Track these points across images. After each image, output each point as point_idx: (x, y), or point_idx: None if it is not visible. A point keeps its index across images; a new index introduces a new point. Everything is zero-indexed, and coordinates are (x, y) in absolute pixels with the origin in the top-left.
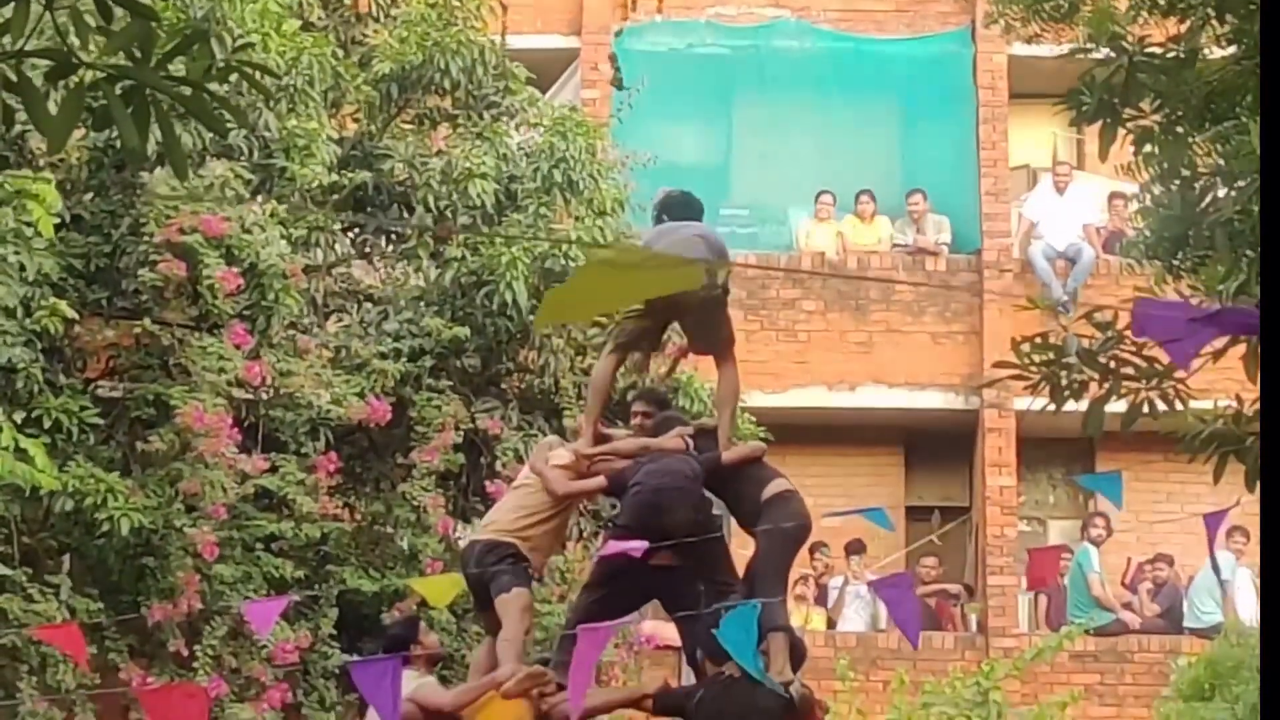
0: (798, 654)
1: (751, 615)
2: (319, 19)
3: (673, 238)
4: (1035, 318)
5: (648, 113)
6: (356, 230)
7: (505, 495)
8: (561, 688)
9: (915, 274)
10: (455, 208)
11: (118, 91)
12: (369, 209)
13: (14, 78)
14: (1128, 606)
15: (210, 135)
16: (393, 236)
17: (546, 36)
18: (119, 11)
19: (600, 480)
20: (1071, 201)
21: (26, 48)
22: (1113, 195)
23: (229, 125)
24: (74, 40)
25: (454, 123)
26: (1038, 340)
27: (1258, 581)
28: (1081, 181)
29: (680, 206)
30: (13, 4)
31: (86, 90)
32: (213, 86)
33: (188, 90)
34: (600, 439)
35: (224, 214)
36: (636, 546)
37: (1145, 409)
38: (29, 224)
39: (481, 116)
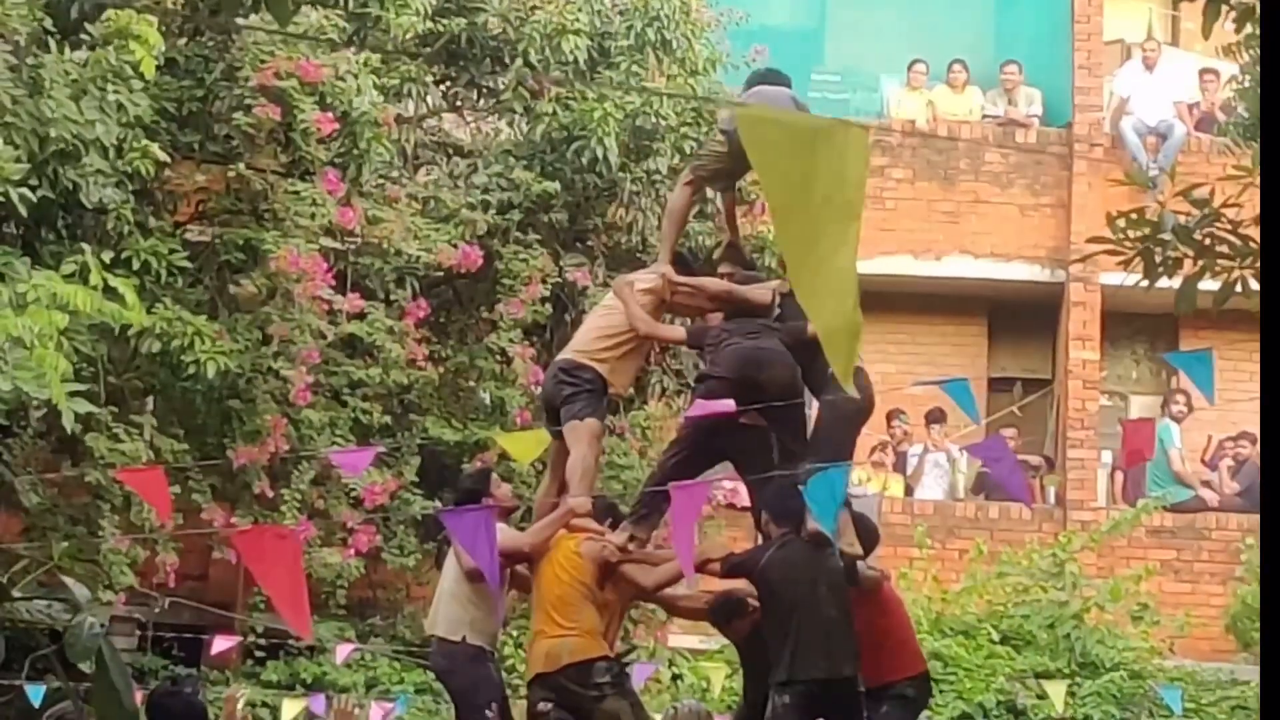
0: (869, 535)
1: (839, 479)
2: None
3: (765, 94)
4: (1124, 193)
5: None
6: (448, 83)
7: (588, 317)
8: (629, 550)
9: (1005, 145)
10: (548, 63)
11: None
12: (461, 62)
13: None
14: (1206, 484)
15: None
16: (484, 90)
17: None
18: None
19: (681, 332)
20: (1162, 78)
21: None
22: (1203, 72)
23: None
24: None
25: None
26: (1133, 215)
27: None
28: (1173, 58)
29: (769, 80)
30: None
31: None
32: None
33: None
34: (677, 264)
35: (318, 61)
36: (727, 407)
37: (1238, 288)
38: (130, 64)
39: None
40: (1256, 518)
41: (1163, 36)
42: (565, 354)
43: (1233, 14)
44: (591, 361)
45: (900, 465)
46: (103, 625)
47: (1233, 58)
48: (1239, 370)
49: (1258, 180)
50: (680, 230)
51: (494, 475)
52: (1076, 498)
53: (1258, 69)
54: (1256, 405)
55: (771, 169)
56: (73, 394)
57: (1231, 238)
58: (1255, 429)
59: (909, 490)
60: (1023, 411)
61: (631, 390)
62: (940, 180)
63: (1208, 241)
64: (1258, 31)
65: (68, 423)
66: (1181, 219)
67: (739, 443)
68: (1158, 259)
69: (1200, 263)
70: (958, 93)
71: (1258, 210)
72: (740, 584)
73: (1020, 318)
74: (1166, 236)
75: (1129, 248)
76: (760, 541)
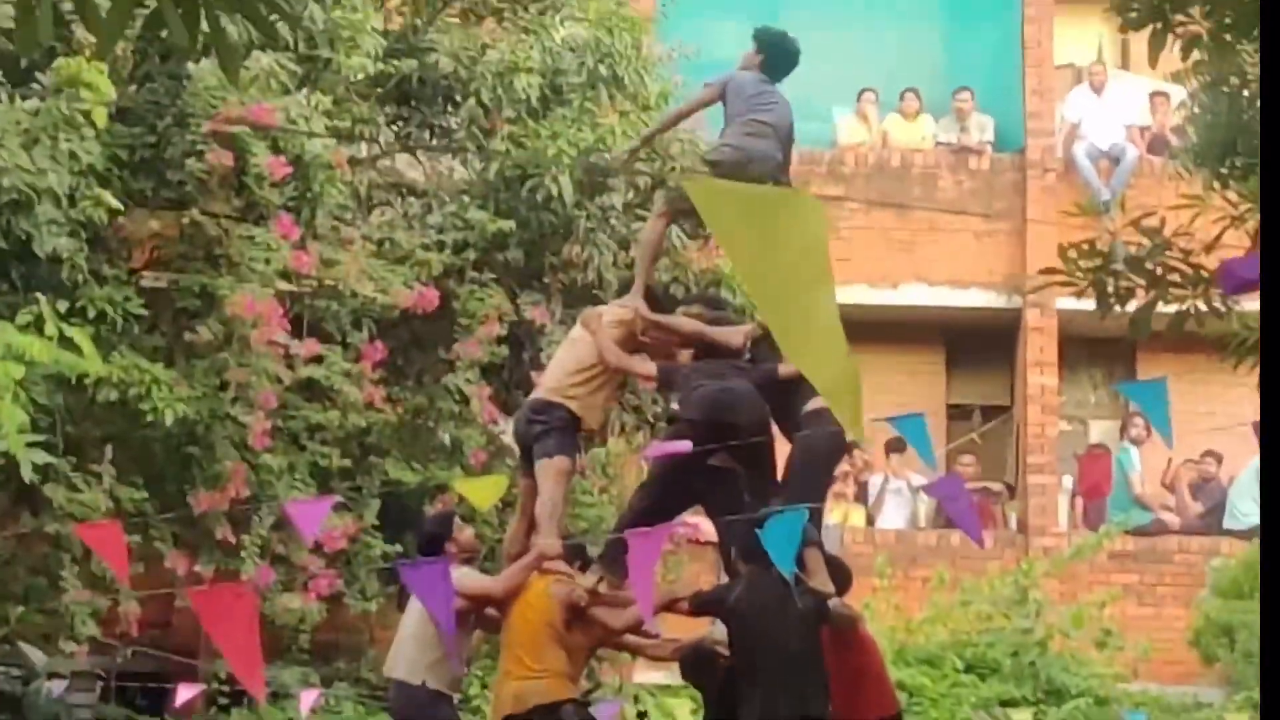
0: (842, 576)
1: (797, 521)
2: None
3: (739, 81)
4: (1079, 219)
5: (692, 7)
6: (401, 123)
7: (556, 353)
8: (598, 593)
9: (959, 172)
10: (500, 101)
11: None
12: (413, 102)
13: None
14: (1167, 507)
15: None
16: (437, 130)
17: None
18: None
19: (651, 367)
20: (1111, 101)
21: None
22: (1154, 94)
23: (276, 24)
24: None
25: (499, 16)
26: (1085, 246)
27: None
28: (1123, 81)
29: (777, 54)
30: None
31: None
32: None
33: None
34: (649, 299)
35: (270, 105)
36: (684, 447)
37: (1191, 318)
38: (82, 112)
39: (527, 10)
40: (1219, 540)
41: (1113, 60)
42: (536, 393)
43: (1179, 41)
44: (561, 399)
45: (861, 495)
46: (60, 689)
47: (1182, 83)
48: (1196, 393)
49: (1208, 207)
50: (654, 262)
51: (456, 519)
52: (1038, 524)
53: (1205, 95)
54: (1212, 427)
55: (733, 240)
56: (30, 444)
57: (1183, 266)
58: (1218, 448)
59: (870, 520)
60: (982, 439)
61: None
62: (894, 209)
63: (1159, 271)
64: (1205, 57)
65: (26, 474)
66: (1133, 249)
67: (709, 484)
68: (1110, 289)
69: (1153, 291)
70: (910, 121)
71: (1210, 237)
72: (708, 632)
73: (978, 344)
74: (1118, 267)
75: (1081, 279)
76: (726, 579)
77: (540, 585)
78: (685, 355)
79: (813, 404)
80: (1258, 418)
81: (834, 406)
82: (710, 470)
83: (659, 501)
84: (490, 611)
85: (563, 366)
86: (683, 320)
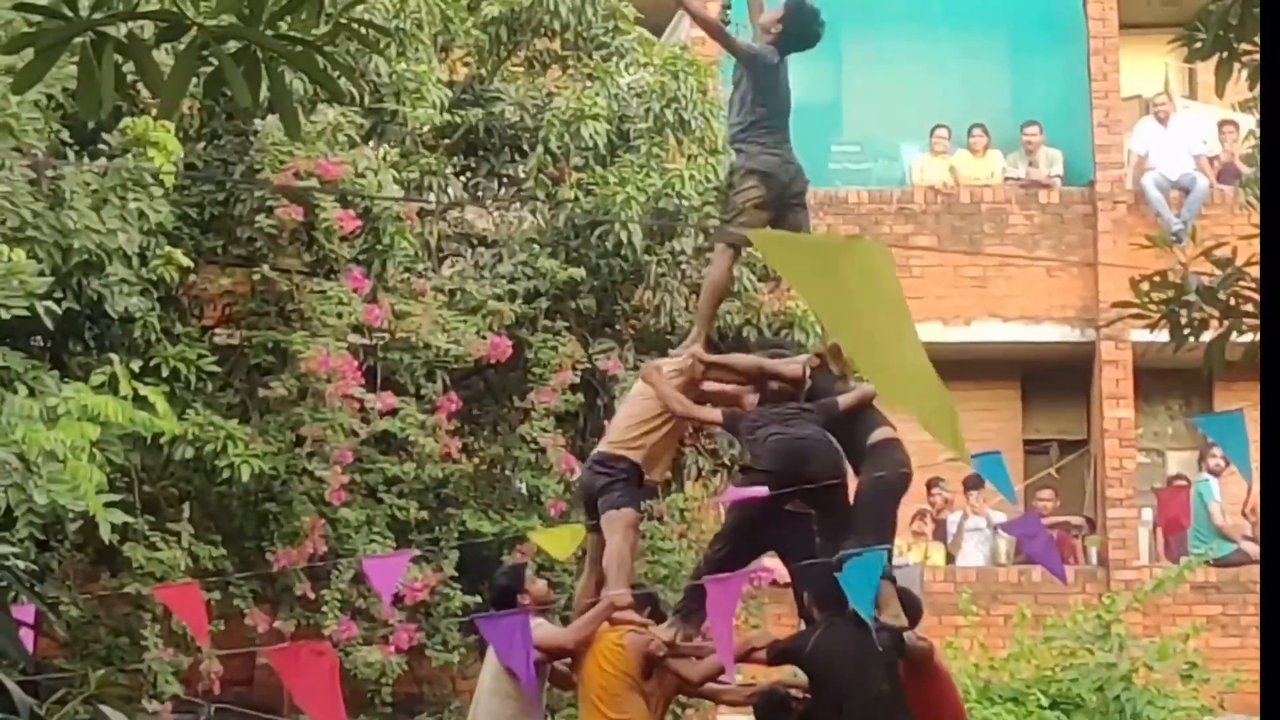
0: (913, 609)
1: (876, 563)
2: None
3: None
4: (1151, 251)
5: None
6: (469, 174)
7: (620, 408)
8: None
9: (1029, 207)
10: (568, 149)
11: (228, 51)
12: (481, 152)
13: (125, 40)
14: (1248, 537)
15: None
16: (505, 179)
17: None
18: None
19: (717, 414)
20: (1178, 132)
21: (137, 9)
22: (1223, 123)
23: (340, 83)
24: (183, 1)
25: (564, 64)
26: (1157, 278)
27: None
28: (1191, 110)
29: (802, 31)
30: None
31: (197, 51)
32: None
33: (298, 48)
34: (708, 345)
35: (337, 159)
36: (761, 491)
37: None
38: (149, 170)
39: (591, 57)
40: None
41: (1180, 89)
42: (600, 446)
43: (1245, 71)
44: (625, 451)
45: (940, 533)
46: None
47: (1249, 111)
48: None
49: None
50: (718, 304)
51: (528, 571)
52: (1119, 557)
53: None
54: None
55: (810, 287)
56: (108, 505)
57: (1257, 296)
58: None
59: (950, 558)
60: (1060, 473)
61: (668, 474)
62: (966, 245)
63: (1232, 301)
64: None
65: (105, 534)
66: (1205, 279)
67: (783, 532)
68: (1183, 320)
69: (1226, 322)
70: (979, 157)
71: None
72: (784, 676)
73: (1053, 379)
74: (1191, 298)
75: (1154, 311)
76: (803, 625)
77: (613, 636)
78: (750, 399)
79: (877, 435)
80: None
81: (937, 436)
82: (784, 517)
83: (735, 550)
84: (559, 665)
85: (626, 420)
86: (738, 357)
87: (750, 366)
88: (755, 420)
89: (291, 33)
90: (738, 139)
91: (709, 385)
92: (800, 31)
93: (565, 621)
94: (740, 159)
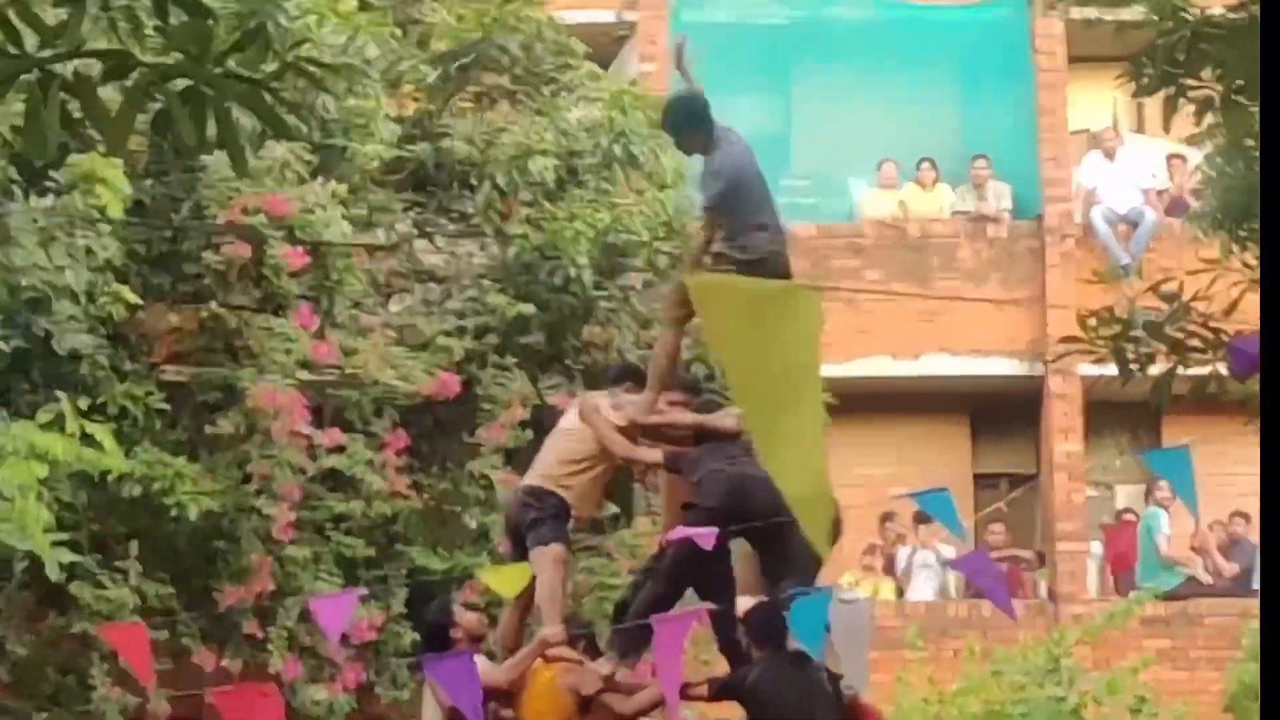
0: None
1: (824, 602)
2: None
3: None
4: (1100, 284)
5: (706, 84)
6: (418, 209)
7: (548, 440)
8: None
9: (977, 241)
10: (517, 184)
11: (175, 90)
12: (430, 188)
13: (72, 79)
14: (1195, 569)
15: None
16: (454, 215)
17: (603, 11)
18: (175, 11)
19: (658, 454)
20: (1126, 166)
21: (83, 48)
22: (1171, 157)
23: (288, 121)
24: (130, 40)
25: (513, 99)
26: (1104, 314)
27: None
28: (1139, 144)
29: (687, 117)
30: (68, 4)
31: (144, 89)
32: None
33: (245, 86)
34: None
35: (286, 195)
36: (709, 536)
37: (1212, 382)
38: (97, 208)
39: (540, 92)
40: (1250, 601)
41: (1129, 123)
42: (529, 479)
43: (1192, 106)
44: (555, 487)
45: (891, 568)
46: None
47: (1197, 145)
48: (1223, 454)
49: (1226, 270)
50: (669, 374)
51: (455, 605)
52: (1068, 591)
53: (1220, 158)
54: (1241, 488)
55: (727, 338)
56: (56, 543)
57: (1203, 331)
58: (1247, 508)
59: (900, 592)
60: (1010, 507)
61: (618, 509)
62: (915, 279)
63: (1179, 336)
64: (1219, 120)
65: (52, 573)
66: (1152, 314)
67: (715, 568)
68: (1130, 355)
69: (1174, 357)
70: (927, 190)
71: (1229, 301)
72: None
73: (1002, 413)
74: (1138, 333)
75: (1101, 346)
76: (726, 660)
77: (547, 674)
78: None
79: None
80: None
81: (802, 518)
82: (718, 555)
83: (677, 587)
84: (504, 713)
85: (557, 455)
86: (678, 415)
87: (692, 424)
88: (698, 458)
89: (239, 71)
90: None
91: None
92: (675, 123)
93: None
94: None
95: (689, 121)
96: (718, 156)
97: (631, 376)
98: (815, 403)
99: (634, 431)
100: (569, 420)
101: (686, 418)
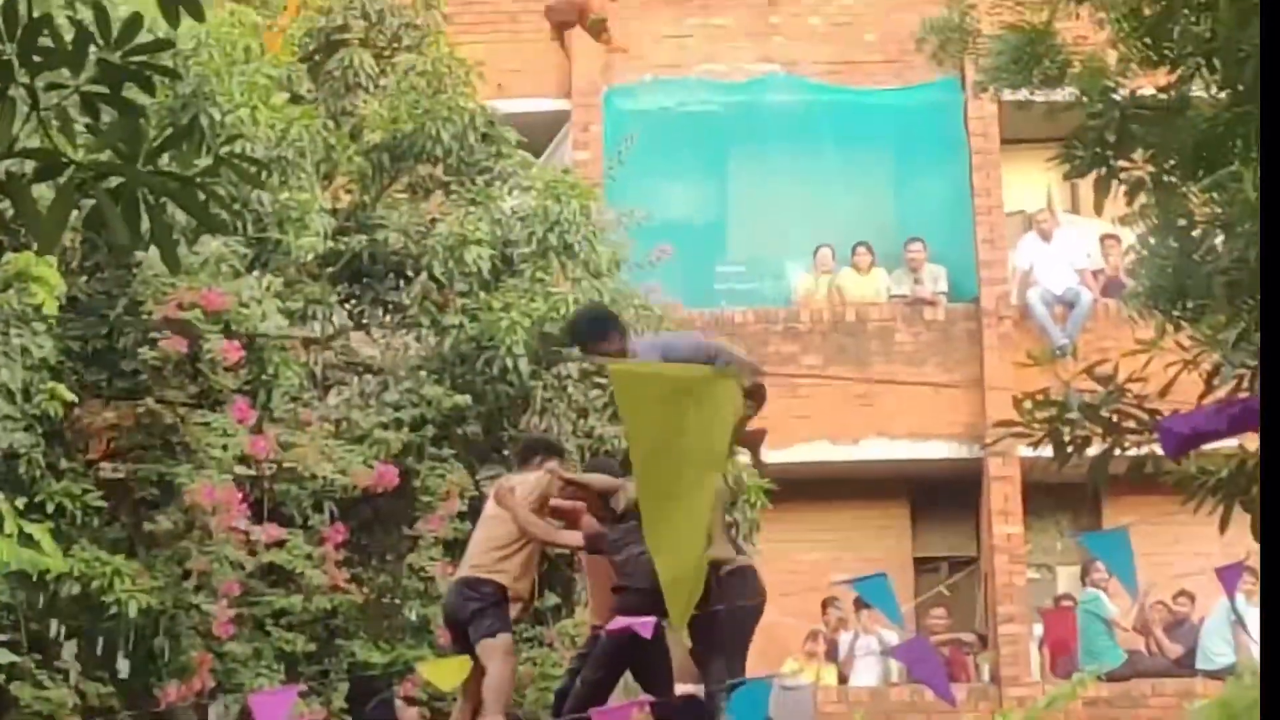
0: None
1: (765, 691)
2: (308, 91)
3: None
4: (1036, 367)
5: (641, 171)
6: (353, 301)
7: (476, 529)
8: None
9: (914, 324)
10: (452, 275)
11: (107, 188)
12: (365, 280)
13: (2, 177)
14: (1136, 650)
15: None
16: (390, 306)
17: (536, 100)
18: (106, 109)
19: (578, 537)
20: (1061, 246)
21: (14, 148)
22: (1105, 237)
23: (220, 219)
24: (60, 138)
25: (447, 189)
26: (1039, 396)
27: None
28: (1074, 225)
29: (591, 325)
30: None
31: (75, 188)
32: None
33: (177, 185)
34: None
35: (221, 289)
36: (647, 624)
37: (1149, 463)
38: (32, 306)
39: (474, 182)
40: (1193, 681)
41: (1063, 204)
42: (462, 570)
43: (1124, 187)
44: (490, 574)
45: (833, 653)
46: None
47: (1130, 226)
48: (1163, 534)
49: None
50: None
51: (396, 700)
52: (1011, 674)
53: (1153, 238)
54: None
55: (641, 426)
56: None
57: (1138, 413)
58: (1189, 586)
59: (843, 678)
60: (951, 590)
61: (559, 599)
62: (852, 364)
63: (1115, 418)
64: (1152, 201)
65: None
66: (1088, 396)
67: (653, 652)
68: (1066, 438)
69: (1110, 439)
70: (863, 274)
71: (1163, 383)
72: None
73: (942, 496)
74: (1074, 415)
75: (1037, 429)
76: None
77: None
78: (588, 520)
79: (733, 562)
80: (1223, 560)
81: (668, 595)
82: (649, 640)
83: (614, 672)
84: None
85: (486, 543)
86: (595, 477)
87: (607, 487)
88: (619, 539)
89: (171, 168)
90: None
91: (564, 496)
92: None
93: None
94: None
95: (593, 327)
96: (638, 344)
97: (543, 450)
98: (709, 488)
99: (551, 488)
100: (490, 507)
101: (604, 480)
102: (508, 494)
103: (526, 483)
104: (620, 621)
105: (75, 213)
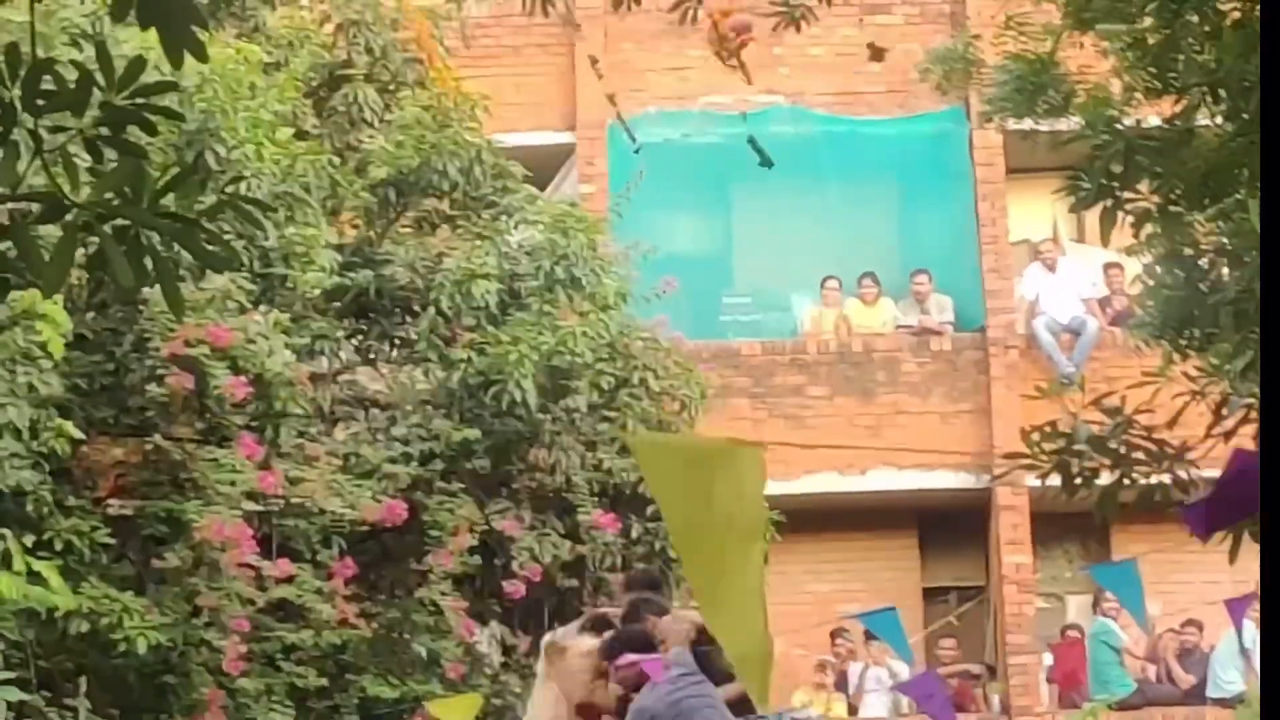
0: None
1: None
2: (313, 126)
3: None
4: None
5: (646, 204)
6: (361, 336)
7: (535, 691)
8: None
9: (921, 354)
10: (459, 309)
11: (109, 230)
12: (372, 315)
13: (5, 221)
14: (1146, 679)
15: None
16: (397, 341)
17: (541, 133)
18: (109, 151)
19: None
20: (1067, 276)
21: (18, 191)
22: (1108, 265)
23: (223, 259)
24: (64, 181)
25: (453, 224)
26: (1047, 428)
27: None
28: (1080, 253)
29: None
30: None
31: (79, 230)
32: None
33: (180, 226)
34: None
35: (228, 325)
36: None
37: (1158, 494)
38: (38, 344)
39: (480, 216)
40: (1203, 709)
41: (1069, 232)
42: None
43: (1130, 217)
44: None
45: (842, 684)
46: None
47: (1136, 256)
48: (1172, 562)
49: (1169, 381)
50: None
51: None
52: (1022, 704)
53: (1159, 268)
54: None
55: (671, 497)
56: (3, 682)
57: (1147, 444)
58: (1198, 615)
59: (852, 710)
60: (960, 620)
61: None
62: (859, 394)
63: (1123, 450)
64: (1158, 230)
65: None
66: (1095, 428)
67: None
68: (1074, 469)
69: (1118, 470)
70: (870, 305)
71: (1171, 414)
72: None
73: (950, 526)
74: (1081, 447)
75: (1045, 461)
76: None
77: None
78: None
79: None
80: (1233, 587)
81: (742, 674)
82: None
83: None
84: None
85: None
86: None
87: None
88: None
89: (174, 209)
90: None
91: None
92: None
93: None
94: None
95: None
96: None
97: (602, 627)
98: (757, 560)
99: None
100: (542, 666)
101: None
102: (559, 654)
103: (580, 643)
104: None
105: (80, 250)
